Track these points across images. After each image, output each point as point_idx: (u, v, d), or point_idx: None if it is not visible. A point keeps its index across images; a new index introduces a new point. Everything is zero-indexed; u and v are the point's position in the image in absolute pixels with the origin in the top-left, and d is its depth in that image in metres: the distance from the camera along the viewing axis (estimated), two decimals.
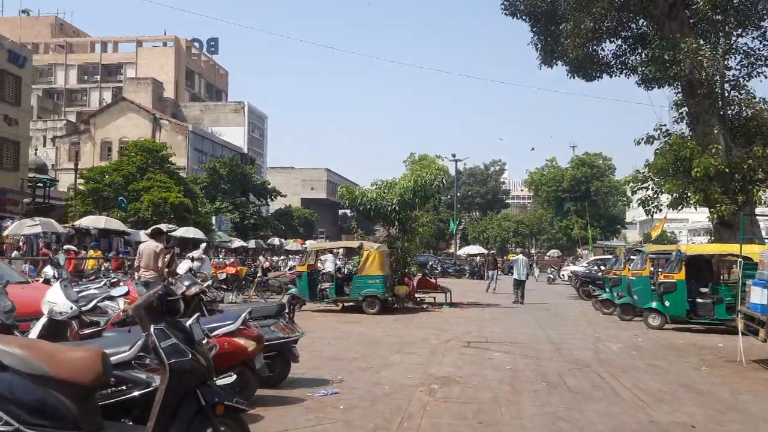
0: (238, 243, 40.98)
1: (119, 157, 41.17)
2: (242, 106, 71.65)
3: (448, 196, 71.38)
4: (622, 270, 17.21)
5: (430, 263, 41.97)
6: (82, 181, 37.59)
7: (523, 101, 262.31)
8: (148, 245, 11.48)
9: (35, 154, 40.39)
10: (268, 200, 53.23)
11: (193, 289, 7.53)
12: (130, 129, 57.69)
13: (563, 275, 38.75)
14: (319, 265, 18.00)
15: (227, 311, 7.40)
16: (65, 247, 16.81)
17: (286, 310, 8.09)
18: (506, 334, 12.86)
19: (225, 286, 19.57)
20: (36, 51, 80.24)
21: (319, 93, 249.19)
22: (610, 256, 32.94)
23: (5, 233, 23.95)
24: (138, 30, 79.50)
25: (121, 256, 25.86)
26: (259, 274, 20.20)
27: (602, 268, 27.71)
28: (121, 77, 73.23)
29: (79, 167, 37.11)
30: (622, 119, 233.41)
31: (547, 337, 12.49)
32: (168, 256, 13.83)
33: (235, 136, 67.19)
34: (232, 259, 22.72)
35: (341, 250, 22.06)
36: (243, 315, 6.22)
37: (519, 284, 20.84)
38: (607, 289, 18.40)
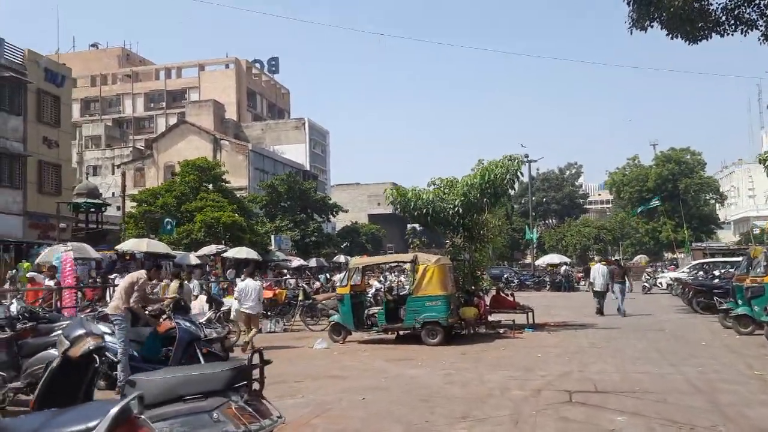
0: (297, 262, 38.45)
1: (172, 178, 39.73)
2: (303, 122, 70.31)
3: (523, 202, 67.00)
4: (765, 276, 12.99)
5: (505, 275, 37.97)
6: (134, 204, 36.37)
7: (597, 97, 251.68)
8: (130, 275, 8.87)
9: (86, 178, 39.44)
10: (330, 216, 50.76)
11: (84, 346, 4.40)
12: (191, 151, 56.89)
13: (660, 283, 33.92)
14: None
15: (100, 402, 4.13)
16: (29, 275, 14.31)
17: (250, 378, 4.76)
18: (621, 374, 9.10)
19: (266, 313, 16.66)
20: (105, 82, 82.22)
21: (383, 106, 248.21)
22: (720, 260, 28.28)
23: (37, 261, 22.11)
24: (201, 54, 79.89)
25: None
26: (300, 298, 17.11)
27: (716, 273, 23.24)
28: (186, 102, 73.44)
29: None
30: (708, 111, 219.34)
31: (685, 378, 8.61)
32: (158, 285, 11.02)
33: (297, 153, 65.79)
34: (269, 281, 19.73)
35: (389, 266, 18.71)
36: (117, 409, 2.94)
37: (600, 295, 18.85)
38: (739, 301, 14.14)
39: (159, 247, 25.45)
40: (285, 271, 36.15)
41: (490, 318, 15.33)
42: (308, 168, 63.88)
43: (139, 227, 33.56)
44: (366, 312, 13.58)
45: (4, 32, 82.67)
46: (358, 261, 14.62)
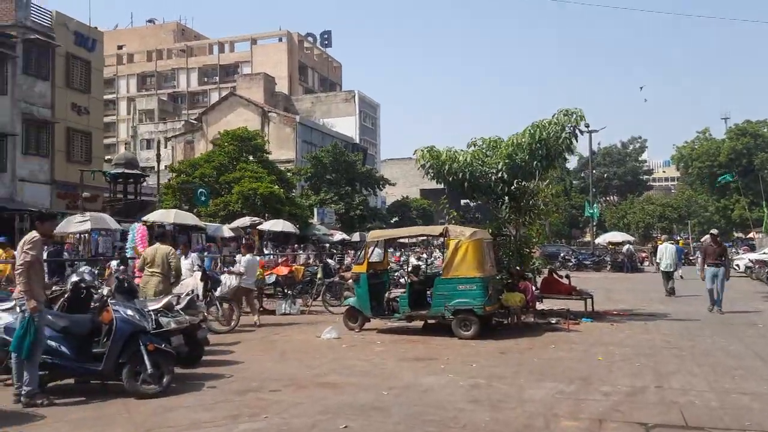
0: (339, 236, 36.52)
1: (211, 147, 38.38)
2: (353, 95, 68.19)
3: (582, 176, 63.05)
4: None
5: (562, 254, 34.97)
6: (172, 175, 35.25)
7: (665, 71, 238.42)
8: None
9: (130, 149, 38.48)
10: (377, 190, 48.61)
11: None
12: (239, 124, 55.87)
13: (737, 266, 30.31)
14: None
15: None
16: None
17: None
18: (717, 394, 6.53)
19: (283, 291, 14.70)
20: (160, 57, 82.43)
21: (437, 78, 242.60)
22: None
23: (54, 231, 20.87)
24: (254, 28, 78.83)
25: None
26: (319, 276, 15.00)
27: None
28: (238, 75, 72.60)
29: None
30: None
31: None
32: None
33: (347, 126, 63.87)
34: (284, 256, 17.65)
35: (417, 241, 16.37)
36: None
37: (667, 276, 18.04)
38: None
39: (187, 218, 23.82)
40: (327, 245, 34.38)
41: (540, 305, 12.81)
42: (357, 141, 61.89)
43: (176, 199, 32.40)
44: (387, 295, 11.33)
45: (62, 7, 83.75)
46: (377, 234, 12.26)
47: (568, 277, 13.86)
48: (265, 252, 24.21)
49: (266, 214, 30.85)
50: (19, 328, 6.11)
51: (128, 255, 13.80)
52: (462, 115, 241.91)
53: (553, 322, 12.06)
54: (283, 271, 14.46)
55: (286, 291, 14.59)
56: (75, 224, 20.02)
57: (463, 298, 10.23)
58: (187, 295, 8.65)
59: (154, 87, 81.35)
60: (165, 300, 7.61)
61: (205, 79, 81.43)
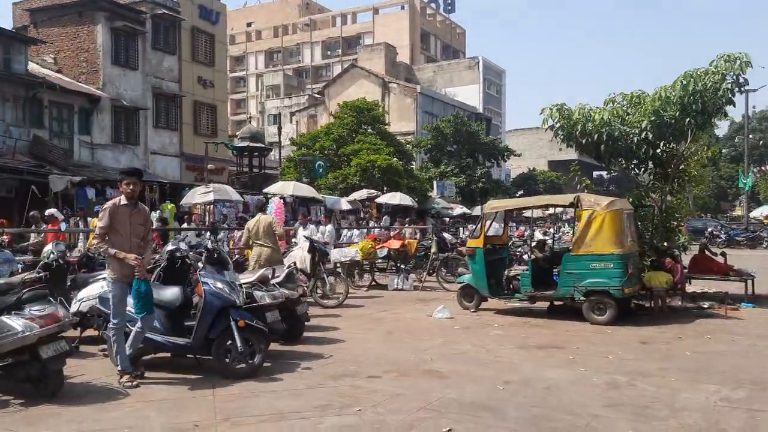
0: (460, 210, 35.33)
1: (332, 120, 38.44)
2: (476, 62, 65.85)
3: (736, 141, 56.80)
4: None
5: (709, 229, 31.50)
6: (294, 148, 35.78)
7: None
8: None
9: (254, 123, 39.48)
10: (501, 161, 46.60)
11: None
12: (360, 96, 56.08)
13: None
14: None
15: None
16: (47, 212, 12.56)
17: None
18: None
19: (396, 265, 14.00)
20: (286, 33, 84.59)
21: (570, 41, 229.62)
22: None
23: (181, 202, 21.59)
24: None
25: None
26: (433, 250, 14.04)
27: None
28: (359, 47, 72.78)
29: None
30: None
31: None
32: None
33: (470, 95, 61.88)
34: (395, 228, 16.76)
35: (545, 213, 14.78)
36: None
37: None
38: None
39: (304, 190, 23.86)
40: (447, 219, 33.40)
41: (690, 287, 11.03)
42: (481, 110, 59.81)
43: (297, 171, 32.85)
44: (506, 273, 10.15)
45: None
46: (496, 204, 11.01)
47: (723, 254, 11.85)
48: (379, 225, 23.70)
49: (384, 187, 30.40)
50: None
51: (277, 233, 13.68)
52: (600, 83, 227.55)
53: (705, 306, 10.30)
54: (395, 244, 13.67)
55: (399, 265, 13.84)
56: (199, 195, 20.53)
57: (597, 278, 8.84)
58: (288, 267, 8.06)
59: (280, 62, 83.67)
60: (259, 273, 7.02)
61: (328, 53, 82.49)
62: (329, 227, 12.05)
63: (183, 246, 7.17)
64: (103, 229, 5.80)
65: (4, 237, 10.65)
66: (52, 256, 7.65)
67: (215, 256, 6.36)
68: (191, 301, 6.54)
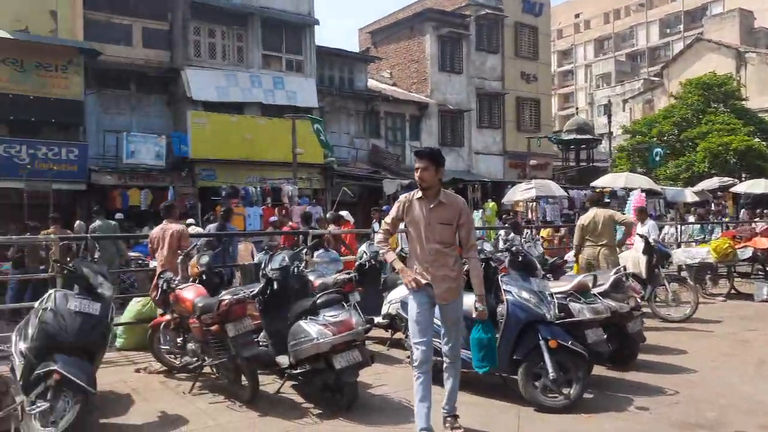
0: None
1: (673, 102, 33.96)
2: None
3: None
4: None
5: None
6: (627, 137, 32.73)
7: None
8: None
9: (582, 116, 37.26)
10: None
11: None
12: (706, 72, 49.42)
13: None
14: None
15: None
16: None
17: None
18: None
19: (765, 270, 11.12)
20: (618, 17, 79.67)
21: None
22: None
23: (503, 200, 21.20)
24: None
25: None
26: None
27: None
28: (706, 18, 64.10)
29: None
30: None
31: None
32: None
33: None
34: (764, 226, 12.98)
35: None
36: None
37: None
38: None
39: (640, 181, 21.22)
40: None
41: None
42: None
43: (630, 161, 29.90)
44: None
45: None
46: None
47: None
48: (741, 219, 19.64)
49: (742, 174, 25.50)
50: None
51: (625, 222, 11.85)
52: None
53: None
54: (763, 243, 10.69)
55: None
56: (521, 192, 19.88)
57: None
58: (615, 272, 6.56)
59: (611, 49, 78.98)
60: (576, 280, 5.73)
61: (667, 31, 74.90)
62: (650, 222, 10.34)
63: (487, 247, 6.31)
64: (387, 225, 4.57)
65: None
66: (365, 256, 7.61)
67: (520, 258, 5.31)
68: (494, 311, 5.63)
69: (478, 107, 25.87)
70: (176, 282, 5.97)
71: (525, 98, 27.15)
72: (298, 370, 5.02)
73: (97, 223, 11.21)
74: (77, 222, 12.10)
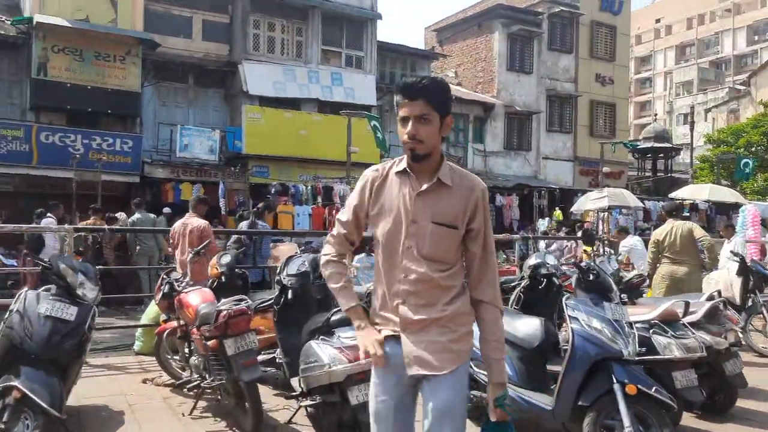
0: None
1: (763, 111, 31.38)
2: None
3: None
4: None
5: None
6: (710, 147, 30.49)
7: None
8: None
9: (655, 121, 35.01)
10: None
11: None
12: None
13: None
14: None
15: None
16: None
17: None
18: None
19: None
20: (702, 23, 75.83)
21: None
22: None
23: (572, 209, 19.80)
24: None
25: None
26: None
27: None
28: None
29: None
30: None
31: None
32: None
33: None
34: None
35: None
36: None
37: None
38: None
39: (724, 194, 19.37)
40: None
41: None
42: None
43: (713, 173, 27.74)
44: None
45: None
46: None
47: None
48: None
49: None
50: None
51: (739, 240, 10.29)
52: None
53: None
54: None
55: None
56: (591, 201, 18.42)
57: None
58: (709, 299, 5.34)
59: (693, 56, 75.14)
60: (663, 306, 4.57)
61: (755, 38, 70.79)
62: (737, 238, 9.07)
63: (550, 260, 5.23)
64: (340, 223, 2.47)
65: None
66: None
67: (591, 277, 4.21)
68: (556, 339, 4.55)
69: (548, 110, 24.47)
70: (182, 284, 5.20)
71: (599, 102, 25.51)
72: (308, 402, 4.11)
73: (136, 216, 10.75)
74: (119, 213, 11.69)
